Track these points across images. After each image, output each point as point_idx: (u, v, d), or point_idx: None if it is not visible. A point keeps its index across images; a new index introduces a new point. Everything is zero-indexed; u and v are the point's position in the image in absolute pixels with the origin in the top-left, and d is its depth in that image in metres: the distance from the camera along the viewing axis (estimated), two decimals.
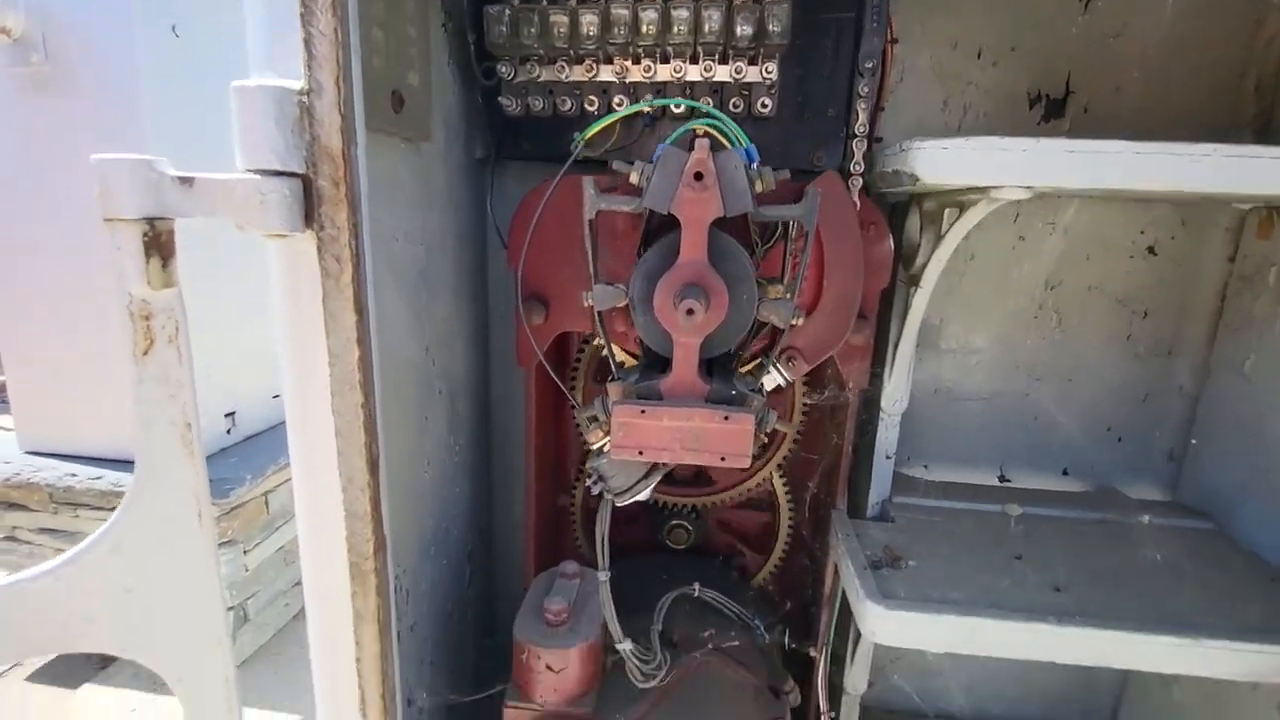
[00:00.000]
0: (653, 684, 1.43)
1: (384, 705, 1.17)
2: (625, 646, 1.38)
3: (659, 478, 1.19)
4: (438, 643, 1.80)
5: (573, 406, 1.58)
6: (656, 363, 1.10)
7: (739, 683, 1.56)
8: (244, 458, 3.18)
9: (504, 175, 1.93)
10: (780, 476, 1.96)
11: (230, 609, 3.10)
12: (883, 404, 1.73)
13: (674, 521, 1.95)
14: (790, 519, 1.99)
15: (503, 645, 1.56)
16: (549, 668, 1.37)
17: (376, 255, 1.03)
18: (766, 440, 1.90)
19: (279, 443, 3.39)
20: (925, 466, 2.05)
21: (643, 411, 1.01)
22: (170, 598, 0.99)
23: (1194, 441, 1.88)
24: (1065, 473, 2.02)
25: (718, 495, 1.94)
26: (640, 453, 1.04)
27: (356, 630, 1.14)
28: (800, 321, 1.09)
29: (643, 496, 1.20)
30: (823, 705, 1.73)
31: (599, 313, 1.12)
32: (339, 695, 1.19)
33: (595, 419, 1.14)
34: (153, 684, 3.13)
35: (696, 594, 1.67)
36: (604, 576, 1.32)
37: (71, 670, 3.23)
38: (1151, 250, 1.83)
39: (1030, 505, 1.84)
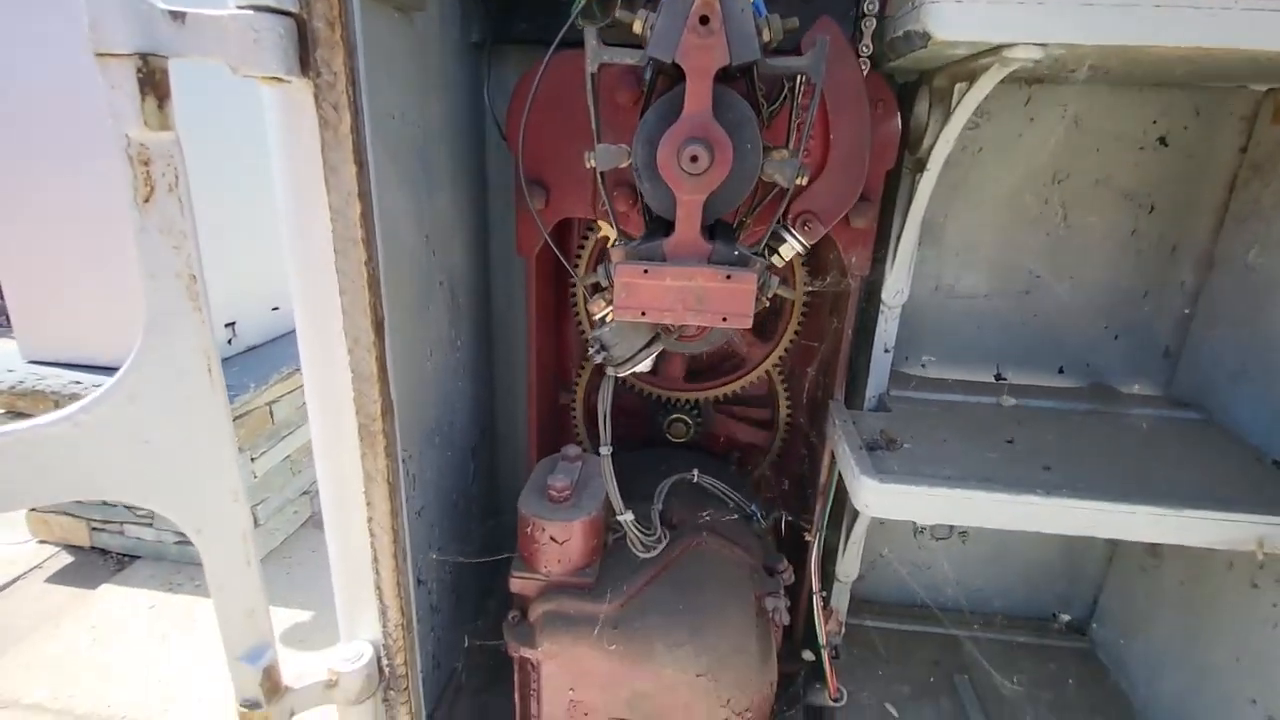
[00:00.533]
0: (652, 555, 1.49)
1: (396, 564, 1.22)
2: (627, 517, 1.42)
3: (660, 348, 1.20)
4: (444, 530, 1.86)
5: (573, 285, 1.58)
6: (660, 229, 1.09)
7: (735, 561, 1.62)
8: (246, 367, 3.20)
9: (501, 63, 1.87)
10: (779, 372, 1.98)
11: None
12: (883, 296, 1.73)
13: (674, 415, 1.99)
14: (787, 413, 2.03)
15: (507, 525, 1.61)
16: (553, 540, 1.42)
17: (374, 131, 1.01)
18: (767, 328, 1.92)
19: (280, 354, 3.41)
20: (922, 365, 2.07)
21: (645, 271, 1.01)
22: (186, 450, 1.01)
23: (1190, 335, 1.90)
24: (1061, 371, 2.05)
25: (717, 389, 1.97)
26: (643, 314, 1.04)
27: (368, 491, 1.18)
28: (805, 180, 1.08)
29: (643, 367, 1.22)
30: (815, 585, 1.80)
31: (601, 174, 1.11)
32: (352, 557, 1.24)
33: (598, 287, 1.14)
34: (169, 583, 3.25)
35: (695, 480, 1.72)
36: (606, 451, 1.35)
37: (90, 571, 3.35)
38: (1163, 141, 1.80)
39: (1024, 398, 1.88)
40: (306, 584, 3.30)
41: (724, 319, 1.02)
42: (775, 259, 1.28)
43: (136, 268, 0.93)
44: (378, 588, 1.23)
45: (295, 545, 3.57)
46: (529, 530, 1.43)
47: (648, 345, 1.17)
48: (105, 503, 3.34)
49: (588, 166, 1.06)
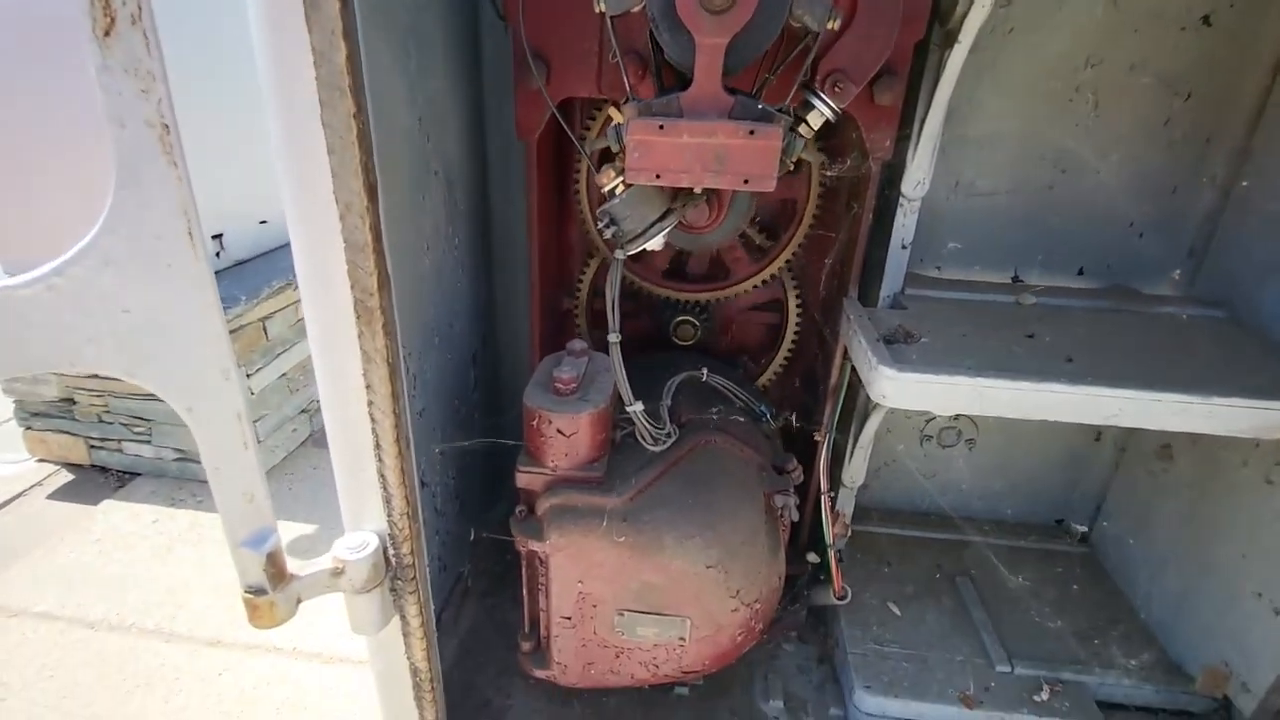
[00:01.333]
0: (661, 449, 1.45)
1: (399, 451, 1.18)
2: (636, 408, 1.38)
3: (674, 222, 1.13)
4: (447, 435, 1.82)
5: (576, 175, 1.49)
6: (677, 84, 1.00)
7: (744, 459, 1.59)
8: (235, 280, 3.11)
9: None
10: (789, 273, 1.91)
11: None
12: (903, 188, 1.64)
13: (680, 318, 1.93)
14: (798, 315, 1.97)
15: (510, 424, 1.57)
16: (560, 433, 1.38)
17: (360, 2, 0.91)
18: (779, 226, 1.84)
19: (271, 269, 3.31)
20: (938, 268, 2.00)
21: (661, 128, 0.93)
22: (171, 321, 0.95)
23: (1218, 232, 1.82)
24: (1081, 273, 1.98)
25: (726, 290, 1.90)
26: (657, 176, 0.96)
27: (367, 374, 1.12)
28: (837, 25, 0.98)
29: (655, 244, 1.14)
30: (824, 486, 1.78)
31: (612, 20, 1.01)
32: (354, 444, 1.19)
33: (606, 155, 1.06)
34: (171, 499, 3.26)
35: (704, 379, 1.67)
36: (615, 338, 1.30)
37: (91, 489, 3.35)
38: (1206, 20, 1.68)
39: (1044, 298, 1.82)
40: (309, 499, 3.31)
41: (745, 180, 0.94)
42: (802, 129, 1.18)
43: (101, 114, 0.84)
44: (381, 475, 1.19)
45: (296, 462, 3.56)
46: (535, 423, 1.39)
47: (661, 219, 1.09)
48: (101, 420, 3.31)
49: (597, 11, 0.96)
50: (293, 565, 1.21)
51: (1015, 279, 1.98)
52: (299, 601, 1.21)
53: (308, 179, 1.00)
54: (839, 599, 1.86)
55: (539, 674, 1.60)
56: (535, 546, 1.41)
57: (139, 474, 3.42)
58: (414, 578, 1.29)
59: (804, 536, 2.06)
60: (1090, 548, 2.24)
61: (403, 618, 1.34)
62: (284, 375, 3.43)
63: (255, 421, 3.28)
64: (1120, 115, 1.78)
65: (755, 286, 1.89)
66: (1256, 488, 1.63)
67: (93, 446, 3.42)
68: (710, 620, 1.44)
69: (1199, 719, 1.75)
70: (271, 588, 1.15)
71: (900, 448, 2.31)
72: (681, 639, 1.46)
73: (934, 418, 2.26)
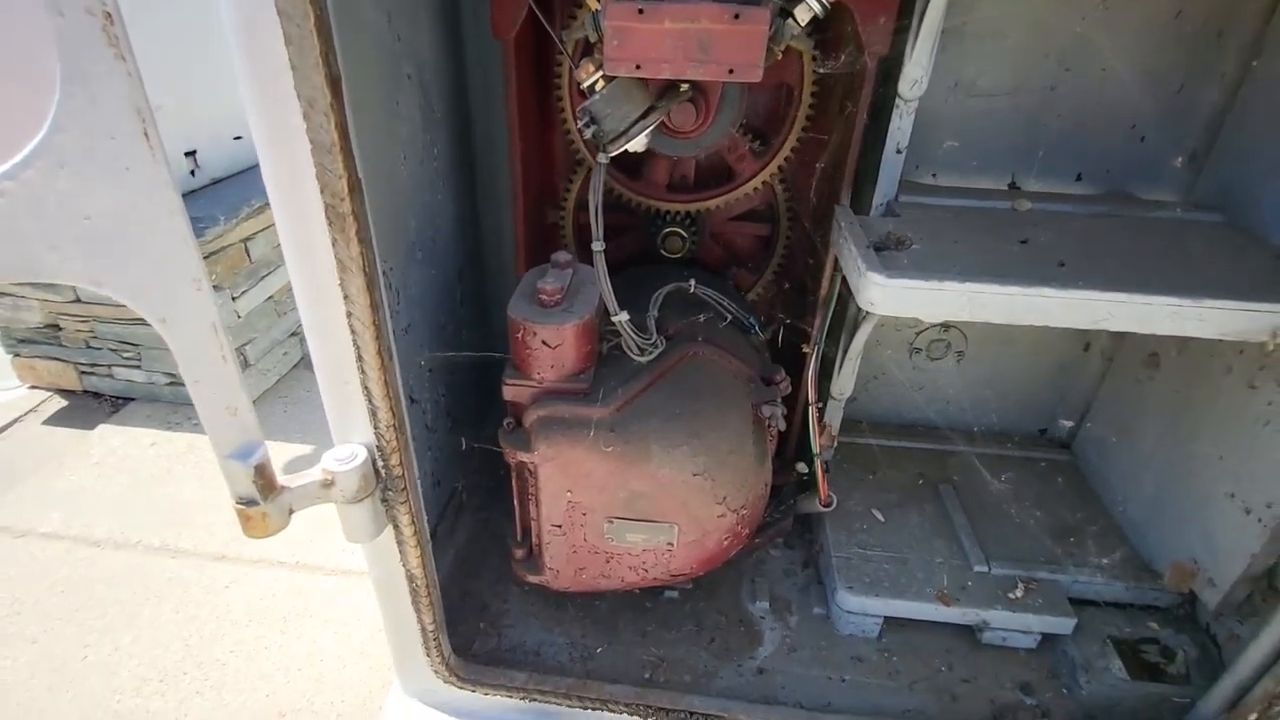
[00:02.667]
0: (648, 359, 1.45)
1: (381, 363, 1.17)
2: (622, 317, 1.37)
3: (657, 119, 1.08)
4: (432, 348, 1.81)
5: (559, 74, 1.42)
6: None
7: (732, 371, 1.59)
8: (213, 199, 3.02)
9: None
10: (780, 181, 1.86)
11: None
12: (900, 88, 1.57)
13: (668, 229, 1.88)
14: (788, 226, 1.93)
15: (497, 334, 1.56)
16: (545, 344, 1.37)
17: None
18: (769, 132, 1.78)
19: (250, 187, 3.21)
20: (933, 175, 1.95)
21: (640, 12, 0.87)
22: (134, 228, 0.91)
23: (1222, 133, 1.77)
24: (1079, 179, 1.93)
25: (716, 200, 1.85)
26: (638, 67, 0.91)
27: (343, 283, 1.10)
28: None
29: (637, 145, 1.10)
30: (811, 397, 1.79)
31: None
32: (335, 357, 1.18)
33: (586, 44, 1.00)
34: (167, 423, 3.28)
35: (692, 290, 1.65)
36: (599, 247, 1.27)
37: (85, 414, 3.37)
38: None
39: (1040, 203, 1.78)
40: (304, 420, 3.34)
41: (730, 70, 0.89)
42: (789, 24, 1.12)
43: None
44: (365, 388, 1.19)
45: (290, 386, 3.57)
46: (520, 335, 1.38)
47: (643, 117, 1.04)
48: (89, 345, 3.29)
49: None
50: (283, 478, 1.23)
51: (1012, 185, 1.93)
52: (291, 512, 1.23)
53: (267, 75, 0.94)
54: (824, 507, 1.90)
55: (532, 579, 1.65)
56: (524, 457, 1.42)
57: (133, 399, 3.43)
58: (404, 489, 1.31)
59: (792, 447, 2.10)
60: (1072, 455, 2.29)
61: (396, 527, 1.36)
62: (271, 298, 3.39)
63: (244, 345, 3.26)
64: (1130, 7, 1.69)
65: (746, 195, 1.84)
66: (1238, 392, 1.65)
67: (83, 372, 3.41)
68: (697, 526, 1.47)
69: (1166, 613, 1.83)
70: (262, 499, 1.16)
71: (889, 360, 2.32)
72: (669, 544, 1.50)
73: (923, 329, 2.26)
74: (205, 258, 2.94)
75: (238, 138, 3.27)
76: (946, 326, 2.26)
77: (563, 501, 1.47)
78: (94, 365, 3.37)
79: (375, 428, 1.24)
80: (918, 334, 2.28)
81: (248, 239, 3.16)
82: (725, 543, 1.53)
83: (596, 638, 1.80)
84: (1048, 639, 1.78)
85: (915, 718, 1.63)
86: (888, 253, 1.45)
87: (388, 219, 1.49)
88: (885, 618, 1.80)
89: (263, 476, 1.13)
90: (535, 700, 1.64)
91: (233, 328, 3.15)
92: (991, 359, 2.27)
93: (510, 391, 1.43)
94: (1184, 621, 1.81)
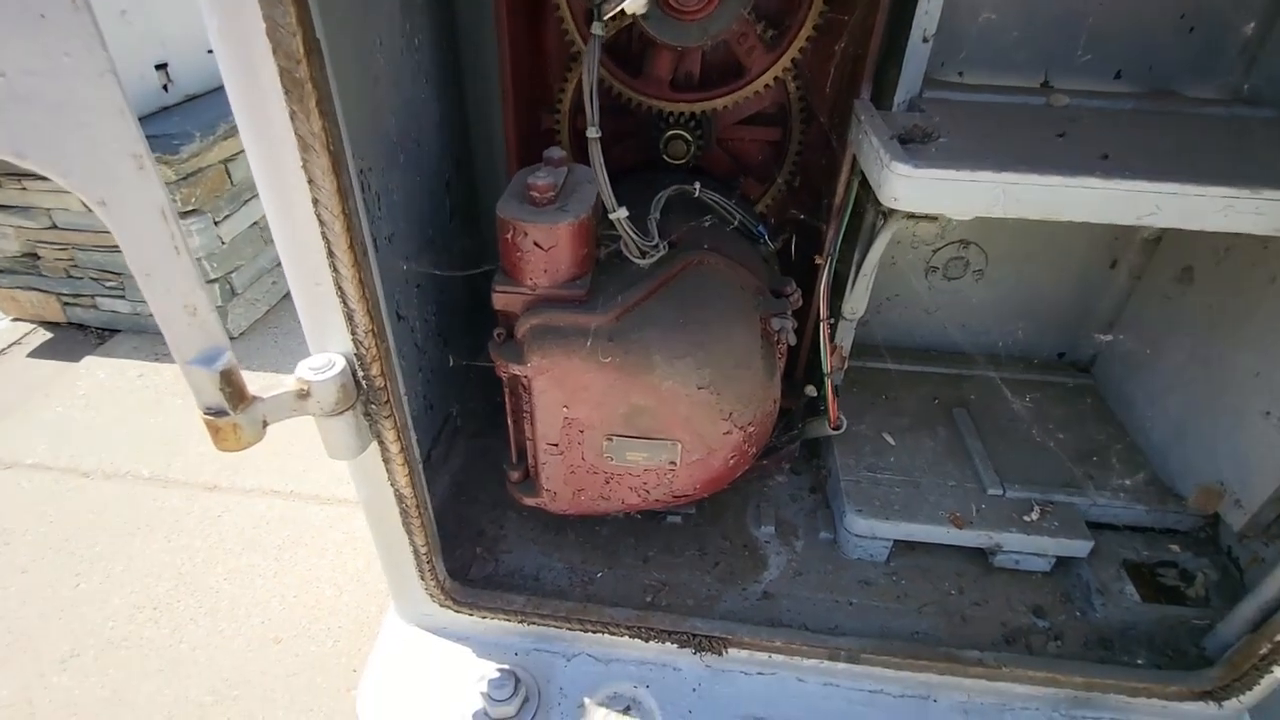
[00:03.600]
0: (649, 262, 1.34)
1: (355, 259, 1.06)
2: (620, 213, 1.25)
3: None
4: (421, 267, 1.70)
5: None
6: None
7: (739, 281, 1.47)
8: (188, 115, 2.85)
9: None
10: (794, 79, 1.71)
11: (213, 280, 3.04)
12: None
13: (672, 132, 1.74)
14: (802, 129, 1.78)
15: (493, 254, 1.44)
16: (537, 246, 1.26)
17: None
18: (783, 25, 1.62)
19: (228, 105, 3.03)
20: (959, 74, 1.79)
21: None
22: (56, 89, 0.79)
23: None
24: (1118, 76, 1.77)
25: (723, 99, 1.70)
26: None
27: (306, 165, 0.98)
28: None
29: (636, 6, 0.96)
30: (823, 312, 1.68)
31: None
32: (304, 253, 1.07)
33: None
34: (154, 354, 3.19)
35: (697, 194, 1.52)
36: (594, 133, 1.14)
37: (71, 346, 3.27)
38: None
39: (1079, 100, 1.63)
40: (297, 353, 3.24)
41: None
42: None
43: None
44: (339, 289, 1.08)
45: (280, 316, 3.47)
46: (510, 236, 1.26)
47: None
48: (70, 275, 3.17)
49: None
50: (255, 388, 1.13)
51: (1045, 84, 1.78)
52: (265, 425, 1.14)
53: None
54: (834, 429, 1.82)
55: (528, 501, 1.58)
56: (516, 370, 1.33)
57: (118, 331, 3.33)
58: (388, 401, 1.22)
59: (800, 369, 2.00)
60: (1092, 378, 2.20)
61: (381, 443, 1.28)
62: (256, 224, 3.25)
63: (230, 273, 3.14)
64: None
65: (756, 94, 1.69)
66: None
67: (66, 304, 3.30)
68: (702, 444, 1.39)
69: (1186, 536, 1.77)
70: (231, 409, 1.07)
71: (902, 284, 2.21)
72: (672, 463, 1.42)
73: (941, 247, 2.14)
74: (182, 179, 2.80)
75: (212, 50, 3.07)
76: (965, 243, 2.13)
77: (559, 418, 1.38)
78: (76, 296, 3.26)
79: (353, 334, 1.13)
80: (935, 251, 2.15)
81: (228, 160, 3.00)
82: (731, 462, 1.45)
83: (597, 563, 1.75)
84: (1062, 563, 1.73)
85: (924, 640, 1.58)
86: (913, 145, 1.32)
87: (363, 113, 1.36)
88: (894, 542, 1.75)
89: (230, 384, 1.04)
90: (534, 624, 1.60)
91: (217, 255, 3.02)
92: (1012, 278, 2.16)
93: (501, 299, 1.32)
94: (1205, 544, 1.75)
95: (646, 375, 1.30)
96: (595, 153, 1.16)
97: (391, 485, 1.35)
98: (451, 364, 1.81)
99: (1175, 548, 1.71)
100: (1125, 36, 1.72)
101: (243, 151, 3.13)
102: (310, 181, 0.97)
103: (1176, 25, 1.70)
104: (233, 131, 2.95)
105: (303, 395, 1.13)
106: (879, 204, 1.72)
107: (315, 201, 0.99)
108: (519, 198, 1.30)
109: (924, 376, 2.21)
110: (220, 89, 3.21)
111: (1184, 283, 1.87)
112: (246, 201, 3.17)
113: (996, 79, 1.76)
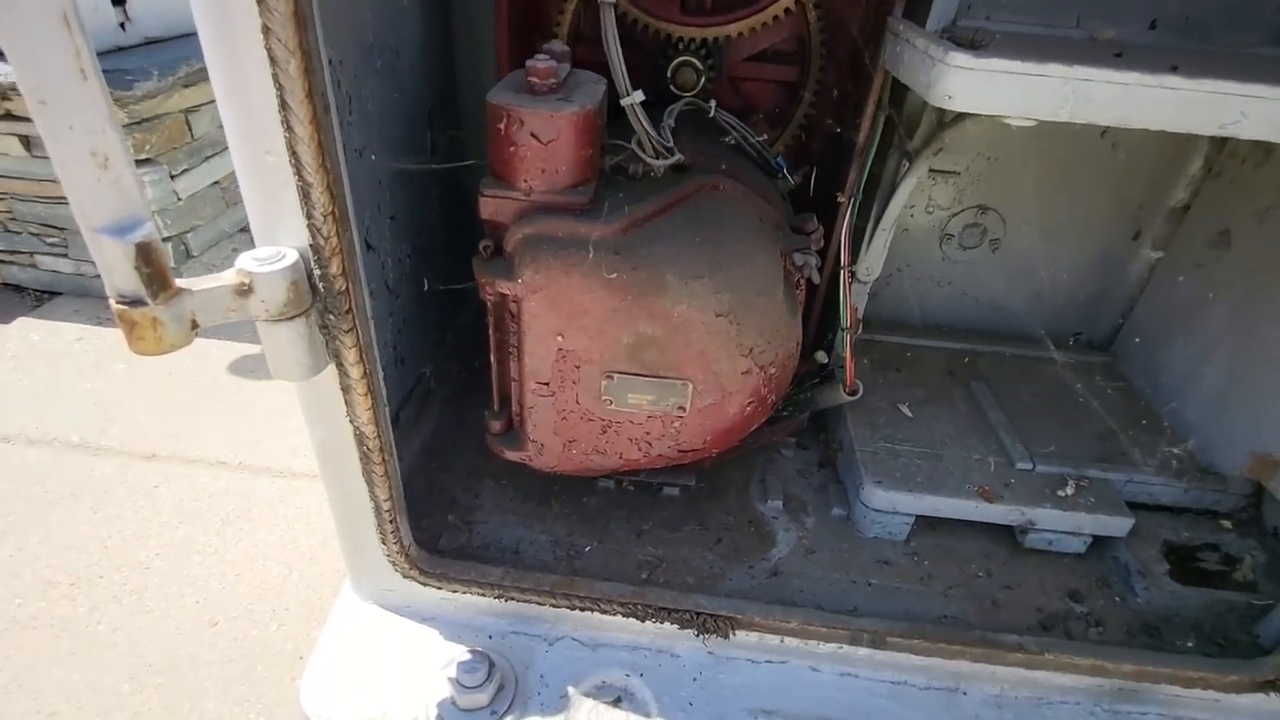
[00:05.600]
0: (663, 164, 1.16)
1: (313, 112, 0.86)
2: (635, 98, 1.07)
3: None
4: (395, 196, 1.50)
5: None
6: None
7: (758, 212, 1.30)
8: (145, 56, 2.62)
9: None
10: (816, 6, 1.56)
11: (166, 239, 2.79)
12: None
13: (680, 59, 1.58)
14: (820, 68, 1.63)
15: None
16: (535, 138, 1.07)
17: None
18: None
19: (195, 51, 2.80)
20: (987, 17, 1.66)
21: None
22: None
23: None
24: (1153, 26, 1.66)
25: (735, 24, 1.55)
26: None
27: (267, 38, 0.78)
28: None
29: None
30: (844, 259, 1.53)
31: None
32: (248, 103, 0.87)
33: None
34: (97, 318, 2.92)
35: (713, 113, 1.35)
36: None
37: (3, 307, 2.98)
38: None
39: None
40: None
41: None
42: None
43: None
44: (293, 154, 0.88)
45: None
46: (502, 127, 1.08)
47: None
48: (6, 229, 2.89)
49: None
50: (186, 280, 0.93)
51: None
52: (195, 327, 0.93)
53: None
54: (850, 395, 1.65)
55: (511, 455, 1.38)
56: (505, 288, 1.13)
57: (59, 293, 3.05)
58: (349, 310, 1.01)
59: (810, 332, 1.84)
60: (1112, 355, 2.07)
61: (340, 366, 1.07)
62: (217, 183, 3.01)
63: (186, 233, 2.89)
64: None
65: (776, 17, 1.53)
66: None
67: (2, 262, 3.02)
68: (716, 384, 1.21)
69: (1227, 517, 1.63)
70: (151, 297, 0.86)
71: (915, 254, 2.07)
72: (681, 408, 1.23)
73: (958, 212, 2.00)
74: (136, 123, 2.57)
75: None
76: (983, 209, 2.00)
77: (552, 349, 1.19)
78: (13, 253, 2.98)
79: (309, 219, 0.93)
80: (952, 216, 2.02)
81: (190, 110, 2.77)
82: (748, 410, 1.27)
83: (585, 536, 1.55)
84: (1096, 544, 1.57)
85: (953, 625, 1.41)
86: (961, 53, 1.16)
87: None
88: (916, 518, 1.58)
89: (149, 263, 0.83)
90: (513, 600, 1.39)
91: (171, 211, 2.78)
92: (1029, 249, 2.03)
93: (489, 205, 1.13)
94: (1248, 525, 1.61)
95: (657, 298, 1.12)
96: (609, 20, 0.98)
97: (351, 421, 1.14)
98: (427, 287, 1.61)
99: (1227, 524, 1.56)
100: None
101: (208, 104, 2.90)
102: (260, 1, 0.77)
103: None
104: (197, 78, 2.73)
105: (243, 291, 0.93)
106: (905, 141, 1.59)
107: (266, 30, 0.79)
108: (514, 87, 1.12)
109: (935, 351, 2.06)
110: (188, 36, 3.00)
111: (1219, 248, 1.75)
112: (209, 158, 2.93)
113: (1028, 23, 1.63)
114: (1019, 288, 2.10)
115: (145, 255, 0.83)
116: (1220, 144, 1.78)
